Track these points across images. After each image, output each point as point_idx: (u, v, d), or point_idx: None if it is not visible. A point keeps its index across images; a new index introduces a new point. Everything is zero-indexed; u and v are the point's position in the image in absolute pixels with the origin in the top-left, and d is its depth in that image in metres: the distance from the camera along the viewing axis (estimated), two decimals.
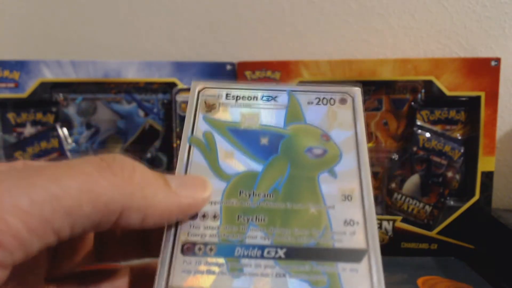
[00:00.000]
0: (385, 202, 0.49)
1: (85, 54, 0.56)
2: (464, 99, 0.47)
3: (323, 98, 0.22)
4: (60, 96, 0.50)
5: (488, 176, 0.46)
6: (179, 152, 0.20)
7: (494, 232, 0.46)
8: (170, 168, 0.51)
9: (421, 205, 0.48)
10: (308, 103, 0.22)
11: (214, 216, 0.18)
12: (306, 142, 0.21)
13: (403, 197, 0.48)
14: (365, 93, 0.49)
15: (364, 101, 0.50)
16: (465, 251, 0.46)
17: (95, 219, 0.15)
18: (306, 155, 0.20)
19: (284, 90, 0.23)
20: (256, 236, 0.18)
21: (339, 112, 0.22)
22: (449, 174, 0.47)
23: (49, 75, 0.48)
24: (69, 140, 0.51)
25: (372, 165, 0.49)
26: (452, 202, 0.48)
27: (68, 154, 0.49)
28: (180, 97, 0.49)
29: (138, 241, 0.22)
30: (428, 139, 0.48)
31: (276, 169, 0.20)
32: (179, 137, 0.49)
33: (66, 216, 0.14)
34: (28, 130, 0.49)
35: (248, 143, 0.21)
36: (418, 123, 0.48)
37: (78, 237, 0.16)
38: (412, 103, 0.49)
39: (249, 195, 0.19)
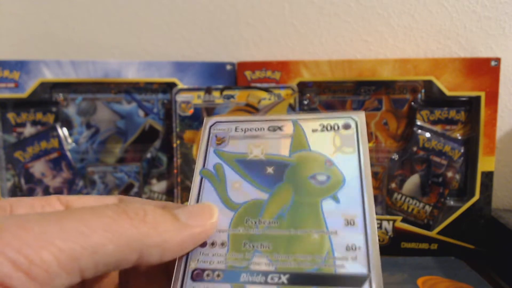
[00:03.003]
0: (385, 202, 0.49)
1: (85, 54, 0.56)
2: (464, 99, 0.47)
3: (327, 124, 0.23)
4: (60, 96, 0.50)
5: (488, 176, 0.46)
6: (192, 184, 0.22)
7: (494, 232, 0.46)
8: (170, 167, 0.51)
9: (421, 205, 0.48)
10: (313, 130, 0.23)
11: (222, 244, 0.19)
12: (310, 169, 0.21)
13: (403, 197, 0.48)
14: (365, 93, 0.49)
15: (364, 101, 0.50)
16: (465, 251, 0.46)
17: (117, 258, 0.17)
18: (310, 182, 0.21)
19: (289, 120, 0.24)
20: (260, 262, 0.19)
21: (342, 137, 0.22)
22: (449, 174, 0.47)
23: (49, 75, 0.48)
24: (69, 140, 0.51)
25: (372, 165, 0.49)
26: (452, 202, 0.48)
27: (68, 154, 0.50)
28: (180, 97, 0.49)
29: (161, 272, 0.23)
30: (428, 139, 0.48)
31: (281, 197, 0.21)
32: (179, 137, 0.49)
33: (92, 254, 0.16)
34: (28, 130, 0.49)
35: (255, 173, 0.22)
36: (418, 123, 0.48)
37: (103, 275, 0.18)
38: (412, 103, 0.49)
39: (255, 223, 0.20)
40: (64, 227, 0.16)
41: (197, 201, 0.21)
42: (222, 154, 0.23)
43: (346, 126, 0.23)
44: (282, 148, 0.22)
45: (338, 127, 0.23)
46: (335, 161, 0.21)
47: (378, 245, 0.18)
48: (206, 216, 0.20)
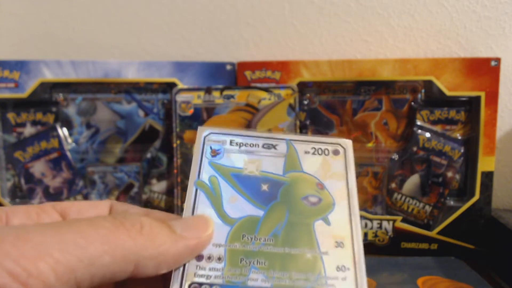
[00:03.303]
0: (385, 202, 0.49)
1: (85, 54, 0.56)
2: (464, 99, 0.47)
3: (319, 148, 0.24)
4: (60, 96, 0.50)
5: (488, 176, 0.46)
6: (186, 195, 0.22)
7: (494, 232, 0.46)
8: (170, 167, 0.51)
9: (421, 205, 0.48)
10: (305, 152, 0.24)
11: (219, 258, 0.20)
12: (303, 190, 0.22)
13: (403, 197, 0.48)
14: (365, 93, 0.50)
15: (364, 101, 0.50)
16: (465, 251, 0.46)
17: (113, 269, 0.17)
18: (303, 203, 0.22)
19: (283, 139, 0.24)
20: (257, 278, 0.19)
21: (332, 163, 0.24)
22: (449, 174, 0.47)
23: (49, 75, 0.48)
24: (69, 140, 0.51)
25: (372, 165, 0.49)
26: (452, 202, 0.48)
27: (68, 154, 0.50)
28: (180, 97, 0.49)
29: (157, 279, 0.22)
30: (428, 139, 0.48)
31: (276, 215, 0.21)
32: (179, 137, 0.49)
33: (89, 265, 0.16)
34: (28, 130, 0.49)
35: (250, 189, 0.22)
36: (418, 123, 0.48)
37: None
38: (412, 103, 0.49)
39: (251, 239, 0.20)
40: (62, 238, 0.16)
41: (192, 212, 0.21)
42: (218, 167, 0.23)
43: (336, 152, 0.24)
44: (276, 167, 0.23)
45: (328, 152, 0.24)
46: (325, 185, 0.23)
47: (364, 265, 0.20)
48: (202, 228, 0.20)
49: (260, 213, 0.21)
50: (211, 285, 0.19)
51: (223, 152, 0.24)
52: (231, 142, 0.24)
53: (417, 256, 0.45)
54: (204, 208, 0.21)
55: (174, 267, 0.19)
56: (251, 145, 0.24)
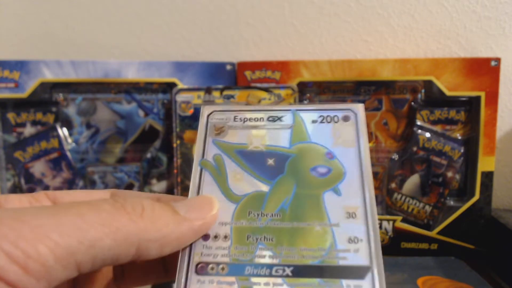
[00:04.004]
0: (385, 202, 0.49)
1: (85, 54, 0.56)
2: (464, 99, 0.47)
3: (327, 116, 0.23)
4: (60, 96, 0.50)
5: (488, 176, 0.46)
6: (191, 175, 0.21)
7: (494, 232, 0.46)
8: (170, 167, 0.51)
9: (421, 205, 0.48)
10: (313, 121, 0.23)
11: (225, 237, 0.19)
12: (311, 161, 0.21)
13: (403, 197, 0.48)
14: (365, 93, 0.49)
15: (364, 101, 0.50)
16: (465, 251, 0.46)
17: (115, 252, 0.16)
18: (311, 174, 0.21)
19: (289, 110, 0.23)
20: (264, 255, 0.19)
21: (342, 130, 0.22)
22: (449, 174, 0.47)
23: (49, 75, 0.48)
24: (69, 140, 0.51)
25: (372, 165, 0.49)
26: (452, 202, 0.48)
27: (68, 154, 0.50)
28: (180, 97, 0.49)
29: (157, 264, 0.22)
30: (428, 139, 0.48)
31: (283, 189, 0.21)
32: (179, 137, 0.49)
33: (89, 248, 0.16)
34: (28, 130, 0.49)
35: (256, 165, 0.21)
36: (418, 123, 0.48)
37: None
38: (412, 103, 0.49)
39: (258, 215, 0.20)
40: (61, 221, 0.15)
41: (198, 193, 0.21)
42: (222, 144, 0.22)
43: (346, 118, 0.22)
44: (282, 139, 0.22)
45: (338, 119, 0.23)
46: (335, 153, 0.21)
47: (379, 236, 0.19)
48: (206, 209, 0.19)
49: (266, 188, 0.21)
50: (218, 263, 0.19)
51: (227, 129, 0.23)
52: (234, 118, 0.23)
53: (417, 256, 0.45)
54: (209, 187, 0.21)
55: (179, 249, 0.19)
56: (256, 119, 0.23)
